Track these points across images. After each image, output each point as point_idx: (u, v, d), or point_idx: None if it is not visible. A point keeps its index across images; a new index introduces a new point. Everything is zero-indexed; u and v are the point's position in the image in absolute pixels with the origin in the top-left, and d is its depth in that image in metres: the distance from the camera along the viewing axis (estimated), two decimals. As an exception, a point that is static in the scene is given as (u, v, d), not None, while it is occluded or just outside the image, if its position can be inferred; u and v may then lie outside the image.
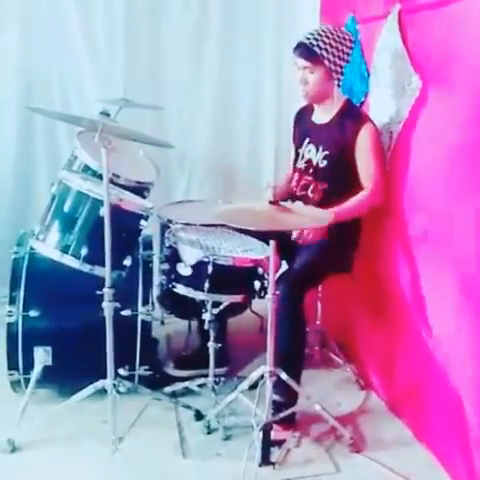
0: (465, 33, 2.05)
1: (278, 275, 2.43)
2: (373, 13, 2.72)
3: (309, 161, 2.68)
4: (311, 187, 2.65)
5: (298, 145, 2.77)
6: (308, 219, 2.20)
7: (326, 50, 2.45)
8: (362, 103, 2.86)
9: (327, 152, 2.61)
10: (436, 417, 2.30)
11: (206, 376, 2.56)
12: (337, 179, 2.58)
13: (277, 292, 2.19)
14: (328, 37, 2.45)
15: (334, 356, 2.99)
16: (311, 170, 2.67)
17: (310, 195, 2.65)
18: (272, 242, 2.14)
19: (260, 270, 2.40)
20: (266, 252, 2.36)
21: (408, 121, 2.45)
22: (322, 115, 2.68)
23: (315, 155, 2.65)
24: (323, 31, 2.48)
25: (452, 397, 2.16)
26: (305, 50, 2.48)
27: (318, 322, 3.03)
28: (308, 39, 2.46)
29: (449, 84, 2.18)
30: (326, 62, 2.46)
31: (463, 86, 2.09)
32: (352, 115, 2.61)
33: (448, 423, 2.21)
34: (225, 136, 3.74)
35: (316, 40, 2.45)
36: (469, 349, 2.07)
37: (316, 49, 2.45)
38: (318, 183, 2.63)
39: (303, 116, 2.79)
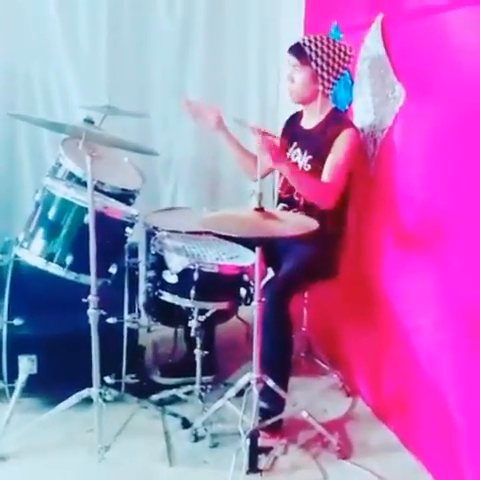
0: (448, 42, 2.08)
1: (264, 282, 2.43)
2: (356, 22, 2.75)
3: (295, 164, 2.70)
4: (297, 190, 2.66)
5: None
6: (293, 226, 2.20)
7: (316, 53, 2.53)
8: (346, 111, 2.88)
9: (311, 156, 2.63)
10: (423, 423, 2.31)
11: (193, 383, 2.55)
12: None
13: (263, 299, 2.19)
14: (322, 43, 2.55)
15: (320, 362, 2.99)
16: None
17: (295, 198, 2.67)
18: (257, 249, 2.14)
19: (246, 277, 2.41)
20: (252, 259, 2.37)
21: (392, 129, 2.47)
22: (309, 120, 2.71)
23: (301, 159, 2.67)
24: (320, 37, 2.58)
25: (439, 403, 2.17)
26: (297, 48, 2.59)
27: (304, 328, 3.03)
28: (303, 40, 2.58)
29: (432, 92, 2.20)
30: (313, 64, 2.54)
31: (446, 94, 2.11)
32: (336, 120, 2.64)
33: (435, 429, 2.21)
34: (211, 143, 3.74)
35: (309, 42, 2.56)
36: (456, 355, 2.08)
37: (306, 49, 2.55)
38: None
39: (294, 121, 2.83)
